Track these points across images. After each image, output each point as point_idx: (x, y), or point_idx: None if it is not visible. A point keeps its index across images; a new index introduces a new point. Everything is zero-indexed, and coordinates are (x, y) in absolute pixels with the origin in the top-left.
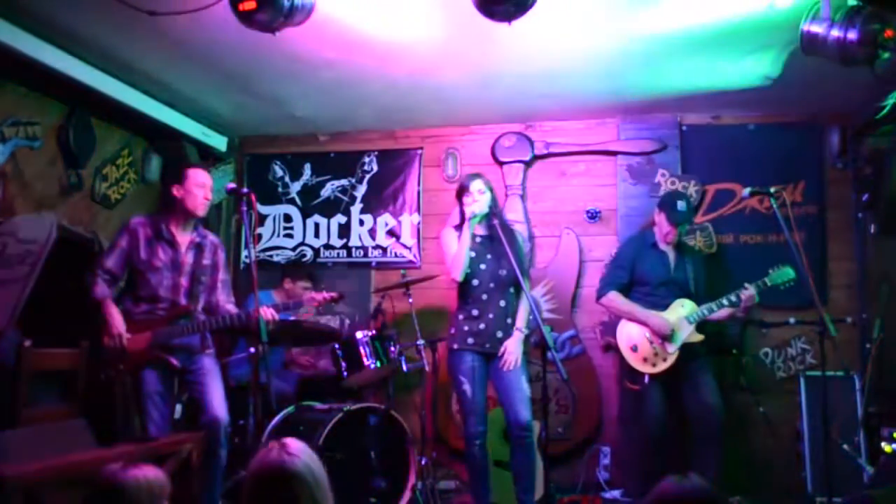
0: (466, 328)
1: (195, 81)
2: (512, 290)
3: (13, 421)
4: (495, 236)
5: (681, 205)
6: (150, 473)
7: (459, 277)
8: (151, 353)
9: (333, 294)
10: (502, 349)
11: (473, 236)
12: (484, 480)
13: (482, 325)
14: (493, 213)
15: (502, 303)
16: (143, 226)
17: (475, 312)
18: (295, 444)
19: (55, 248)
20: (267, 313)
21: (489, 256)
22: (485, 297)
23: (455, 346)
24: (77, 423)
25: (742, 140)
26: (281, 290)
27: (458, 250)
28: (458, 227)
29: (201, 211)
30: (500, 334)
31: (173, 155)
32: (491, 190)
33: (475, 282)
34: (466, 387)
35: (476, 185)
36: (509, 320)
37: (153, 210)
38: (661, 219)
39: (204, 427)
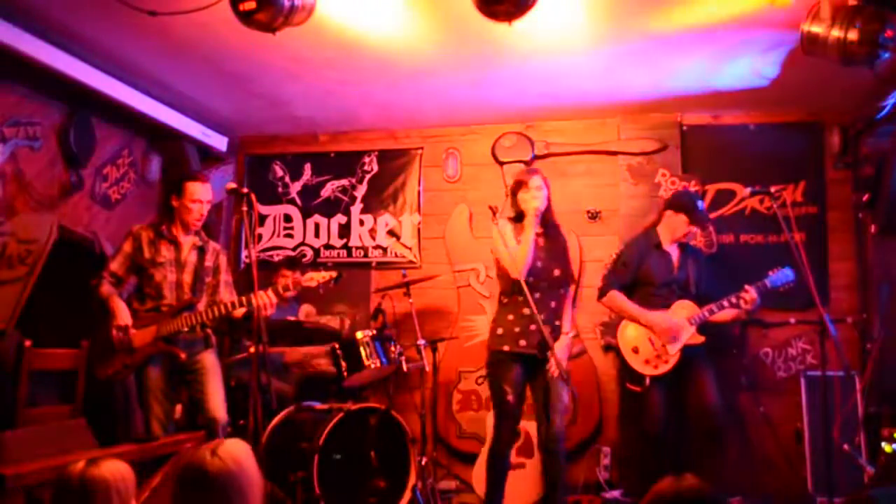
0: (518, 329)
1: (195, 81)
2: (561, 291)
3: (13, 421)
4: (551, 235)
5: (701, 204)
6: (118, 467)
7: (522, 276)
8: (156, 347)
9: (332, 273)
10: (550, 354)
11: None
12: (503, 488)
13: (533, 326)
14: (550, 211)
15: (553, 304)
16: (146, 229)
17: (527, 311)
18: (229, 447)
19: (55, 248)
20: (265, 297)
21: (542, 255)
22: (537, 296)
23: (506, 349)
24: (77, 423)
25: (742, 140)
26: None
27: (523, 248)
28: (513, 220)
29: (194, 225)
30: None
31: (173, 155)
32: (547, 187)
33: (529, 279)
34: (511, 397)
35: (535, 181)
36: (558, 322)
37: (152, 209)
38: (678, 220)
39: (202, 427)
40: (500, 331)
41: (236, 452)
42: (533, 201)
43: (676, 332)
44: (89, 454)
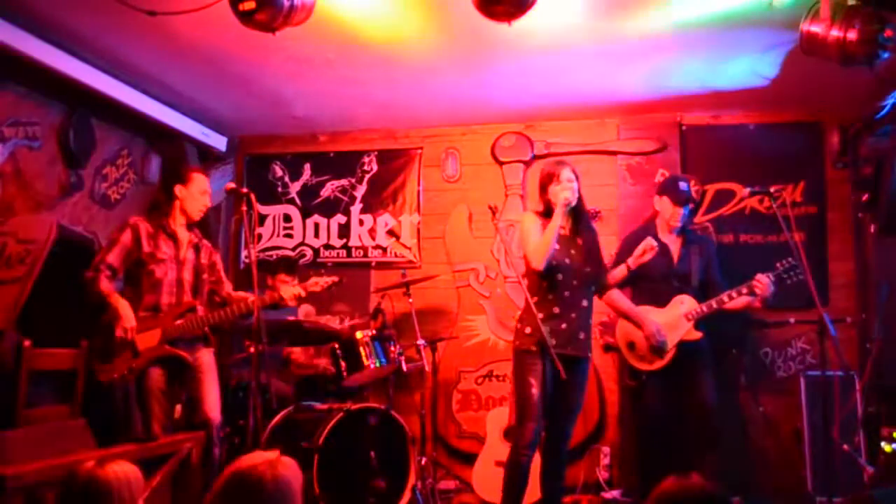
0: (547, 328)
1: (195, 81)
2: (593, 289)
3: (13, 421)
4: (582, 231)
5: (683, 185)
6: (126, 470)
7: (542, 266)
8: (162, 350)
9: (334, 278)
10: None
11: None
12: (523, 495)
13: (564, 325)
14: (581, 206)
15: (584, 302)
16: (144, 222)
17: (556, 310)
18: (285, 462)
19: (55, 248)
20: (291, 291)
21: (573, 251)
22: (567, 293)
23: (534, 348)
24: (77, 423)
25: (742, 140)
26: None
27: (546, 237)
28: (542, 214)
29: (197, 216)
30: (581, 335)
31: (173, 155)
32: (578, 180)
33: (559, 276)
34: (535, 390)
35: (566, 174)
36: (591, 321)
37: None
38: (664, 203)
39: (197, 427)
40: (528, 330)
41: (292, 476)
42: (564, 192)
43: (661, 338)
44: (90, 454)
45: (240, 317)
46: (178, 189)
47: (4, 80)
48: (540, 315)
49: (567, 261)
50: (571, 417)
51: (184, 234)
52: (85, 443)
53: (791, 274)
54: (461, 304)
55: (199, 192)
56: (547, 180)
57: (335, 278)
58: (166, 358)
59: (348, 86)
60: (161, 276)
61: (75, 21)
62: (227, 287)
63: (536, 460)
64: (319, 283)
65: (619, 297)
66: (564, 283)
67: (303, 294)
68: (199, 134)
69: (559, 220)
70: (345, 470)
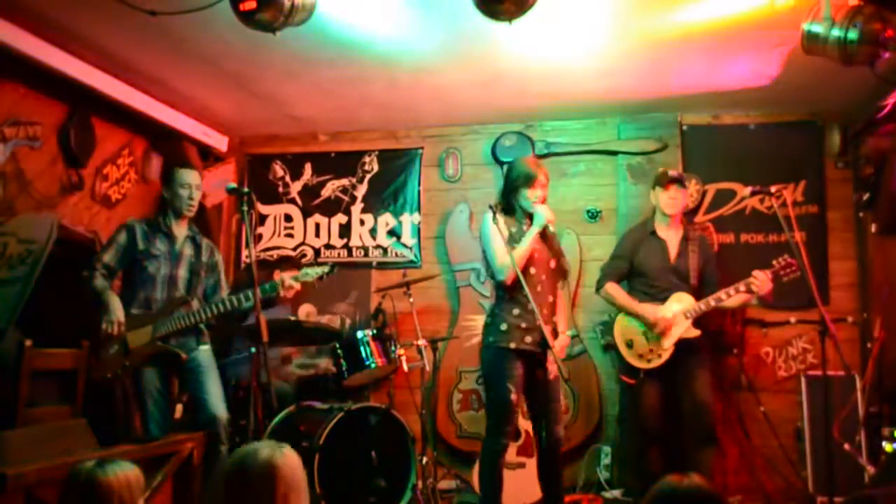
0: (524, 325)
1: (195, 81)
2: (558, 285)
3: (13, 421)
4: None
5: (672, 171)
6: (127, 470)
7: (509, 280)
8: (154, 348)
9: (324, 268)
10: (549, 353)
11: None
12: (501, 490)
13: (536, 322)
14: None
15: (551, 298)
16: (140, 222)
17: (531, 307)
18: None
19: (55, 248)
20: (288, 281)
21: (538, 246)
22: (539, 288)
23: (512, 346)
24: (77, 423)
25: (742, 140)
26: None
27: (523, 249)
28: (503, 211)
29: (186, 211)
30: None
31: (173, 155)
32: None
33: (532, 270)
34: (514, 396)
35: (543, 178)
36: (555, 318)
37: (153, 209)
38: (655, 193)
39: (203, 425)
40: (503, 326)
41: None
42: (543, 200)
43: (666, 327)
44: (90, 454)
45: (234, 311)
46: (164, 190)
47: (4, 80)
48: (515, 310)
49: (536, 255)
50: (558, 413)
51: (180, 231)
52: (86, 443)
53: (788, 271)
54: (461, 304)
55: (180, 187)
56: (525, 182)
57: (325, 268)
58: (160, 356)
59: (348, 86)
60: (153, 272)
61: (75, 21)
62: (224, 292)
63: (534, 461)
64: (311, 273)
65: (616, 291)
66: (536, 278)
67: (297, 287)
68: (200, 134)
69: (536, 232)
70: (345, 469)
